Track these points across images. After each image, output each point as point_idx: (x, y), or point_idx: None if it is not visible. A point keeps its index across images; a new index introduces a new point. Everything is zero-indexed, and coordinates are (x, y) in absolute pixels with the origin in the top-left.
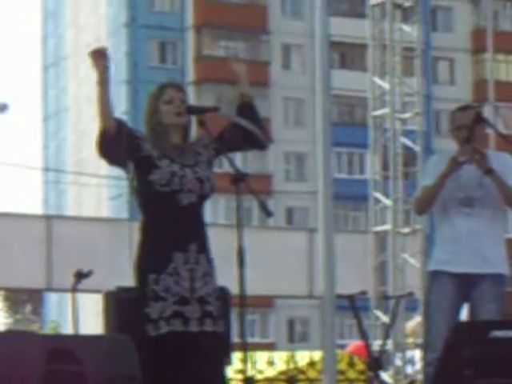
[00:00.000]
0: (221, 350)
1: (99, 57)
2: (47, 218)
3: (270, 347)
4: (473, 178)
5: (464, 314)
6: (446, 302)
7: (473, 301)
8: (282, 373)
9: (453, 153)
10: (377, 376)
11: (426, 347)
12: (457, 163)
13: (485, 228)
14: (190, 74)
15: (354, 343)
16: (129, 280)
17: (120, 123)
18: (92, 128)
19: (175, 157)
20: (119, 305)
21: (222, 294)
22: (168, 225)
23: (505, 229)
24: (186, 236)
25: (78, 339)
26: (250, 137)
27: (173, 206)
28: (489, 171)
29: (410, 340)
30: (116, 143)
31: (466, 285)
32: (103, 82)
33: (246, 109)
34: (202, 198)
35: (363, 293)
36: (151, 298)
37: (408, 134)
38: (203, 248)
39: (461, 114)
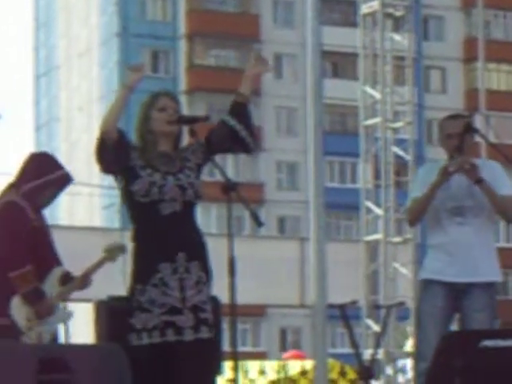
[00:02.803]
0: (215, 358)
1: (138, 69)
2: None
3: (262, 356)
4: (463, 187)
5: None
6: (438, 312)
7: (463, 310)
8: (274, 382)
9: (442, 162)
10: None
11: (417, 357)
12: (447, 173)
13: (477, 237)
14: (182, 83)
15: (290, 352)
16: (120, 289)
17: (121, 134)
18: (83, 137)
19: (160, 165)
20: (110, 314)
21: (213, 303)
22: (152, 235)
23: (496, 238)
24: (173, 246)
25: (69, 348)
26: (237, 137)
27: (154, 216)
28: (478, 181)
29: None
30: (114, 152)
31: (457, 294)
32: (131, 89)
33: (239, 108)
34: (187, 205)
35: (354, 302)
36: (136, 308)
37: (400, 143)
38: (195, 256)
39: (451, 123)
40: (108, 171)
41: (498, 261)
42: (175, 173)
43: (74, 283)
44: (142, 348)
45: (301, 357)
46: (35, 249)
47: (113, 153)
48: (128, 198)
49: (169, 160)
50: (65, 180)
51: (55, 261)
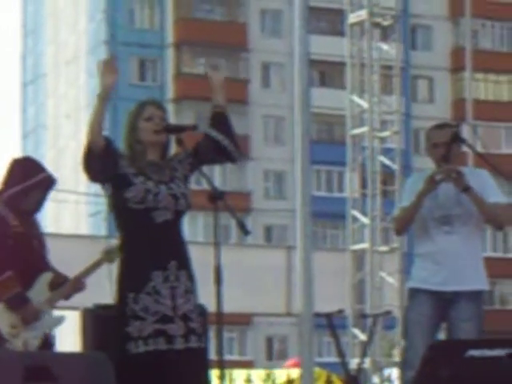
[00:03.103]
0: (206, 367)
1: (111, 70)
2: None
3: (249, 365)
4: (450, 196)
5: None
6: (424, 321)
7: (450, 319)
8: None
9: (430, 172)
10: None
11: (404, 365)
12: (433, 182)
13: (464, 245)
14: (170, 92)
15: (291, 360)
16: (106, 297)
17: (108, 142)
18: (71, 145)
19: (151, 174)
20: (97, 322)
21: (199, 311)
22: (145, 243)
23: (483, 247)
24: (165, 254)
25: (54, 356)
26: (220, 148)
27: (147, 224)
28: (466, 189)
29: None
30: (101, 161)
31: (444, 303)
32: (106, 97)
33: (218, 119)
34: (178, 214)
35: (341, 311)
36: (131, 316)
37: (387, 152)
38: (183, 265)
39: (437, 132)
40: (95, 180)
41: (485, 269)
42: (167, 182)
43: (66, 287)
44: (140, 356)
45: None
46: (19, 255)
47: (100, 161)
48: (119, 204)
49: (159, 169)
50: (48, 182)
51: (44, 266)
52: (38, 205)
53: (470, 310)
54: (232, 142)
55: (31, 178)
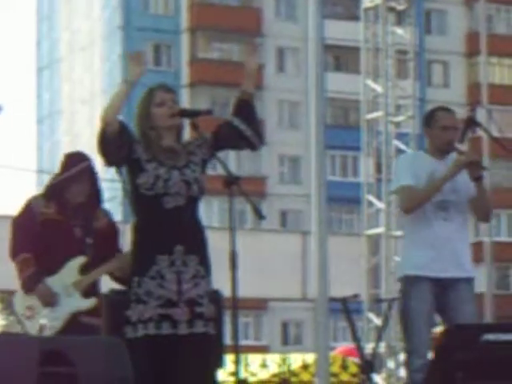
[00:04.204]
0: (212, 352)
1: (140, 61)
2: None
3: (264, 350)
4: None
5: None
6: (426, 308)
7: (450, 303)
8: (275, 375)
9: (422, 152)
10: (369, 379)
11: (410, 354)
12: (461, 166)
13: (458, 232)
14: (185, 77)
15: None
16: None
17: (123, 126)
18: (86, 131)
19: (165, 159)
20: (112, 307)
21: (215, 296)
22: (152, 228)
23: (497, 232)
24: (171, 238)
25: (71, 341)
26: (242, 136)
27: (157, 210)
28: (478, 178)
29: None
30: (116, 144)
31: (441, 289)
32: (133, 83)
33: (243, 106)
34: (191, 200)
35: (356, 296)
36: (133, 300)
37: (401, 137)
38: (193, 250)
39: (447, 115)
40: (111, 163)
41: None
42: (181, 168)
43: (102, 266)
44: (138, 340)
45: (351, 353)
46: (49, 241)
47: (114, 144)
48: (133, 190)
49: (174, 154)
50: (88, 173)
51: (76, 252)
52: (91, 196)
53: (470, 293)
54: (254, 131)
55: (67, 171)
